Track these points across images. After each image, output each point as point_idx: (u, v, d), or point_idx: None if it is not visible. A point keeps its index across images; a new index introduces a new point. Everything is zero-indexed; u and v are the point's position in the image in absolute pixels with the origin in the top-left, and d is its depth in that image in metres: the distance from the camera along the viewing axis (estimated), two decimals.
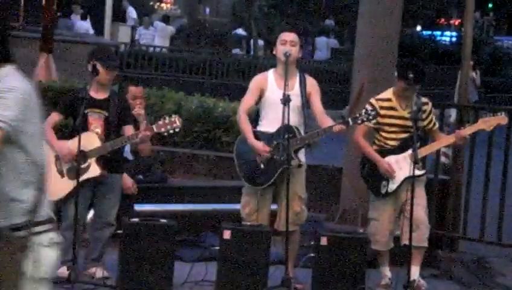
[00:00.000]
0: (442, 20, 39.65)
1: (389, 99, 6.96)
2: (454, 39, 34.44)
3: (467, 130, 7.01)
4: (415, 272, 6.76)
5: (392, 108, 6.93)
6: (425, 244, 6.91)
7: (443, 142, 7.16)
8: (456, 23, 37.57)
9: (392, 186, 6.87)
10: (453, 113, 10.19)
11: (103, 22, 22.73)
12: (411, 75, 6.68)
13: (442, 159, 7.38)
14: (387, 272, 7.03)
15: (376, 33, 8.35)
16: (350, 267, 6.73)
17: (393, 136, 6.93)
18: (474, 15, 14.41)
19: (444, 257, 8.09)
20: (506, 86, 28.82)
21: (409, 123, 6.77)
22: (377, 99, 6.99)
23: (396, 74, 6.91)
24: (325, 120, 6.74)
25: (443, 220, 8.15)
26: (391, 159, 6.91)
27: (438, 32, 36.43)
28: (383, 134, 6.97)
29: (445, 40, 34.97)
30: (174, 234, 6.75)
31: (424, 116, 6.95)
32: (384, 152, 6.95)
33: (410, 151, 6.76)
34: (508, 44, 35.59)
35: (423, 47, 28.37)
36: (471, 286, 7.54)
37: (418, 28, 36.61)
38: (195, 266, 6.99)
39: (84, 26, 22.30)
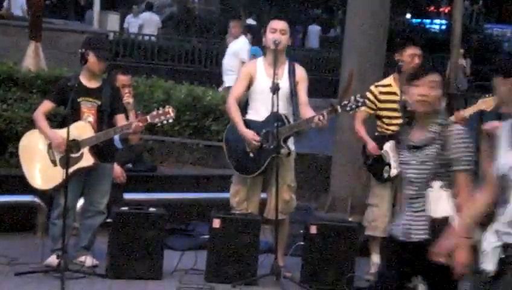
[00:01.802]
0: (432, 8, 39.68)
1: (388, 85, 7.01)
2: (443, 27, 34.47)
3: (467, 111, 7.06)
4: None
5: (392, 93, 6.95)
6: None
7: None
8: (446, 11, 37.60)
9: (394, 171, 6.87)
10: (442, 102, 10.19)
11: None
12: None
13: None
14: (377, 259, 7.05)
15: (365, 21, 8.34)
16: (339, 256, 6.75)
17: (394, 121, 6.94)
18: (464, 3, 14.41)
19: None
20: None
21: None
22: (376, 86, 7.07)
23: (395, 54, 6.98)
24: (307, 111, 6.73)
25: None
26: (393, 144, 6.94)
27: (428, 20, 36.46)
28: (385, 120, 7.01)
29: (434, 28, 35.01)
30: (164, 223, 6.75)
31: None
32: (386, 137, 6.98)
33: None
34: (497, 32, 35.65)
35: (413, 35, 28.38)
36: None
37: (408, 15, 36.63)
38: (184, 255, 6.99)
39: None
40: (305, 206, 8.22)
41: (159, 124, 6.91)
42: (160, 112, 6.73)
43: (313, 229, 6.79)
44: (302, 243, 6.93)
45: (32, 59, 10.74)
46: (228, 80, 12.63)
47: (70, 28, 16.94)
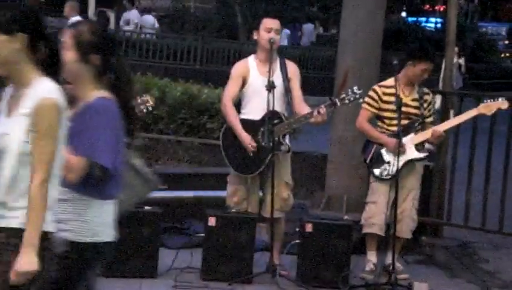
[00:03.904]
0: (427, 6, 39.74)
1: (392, 86, 6.96)
2: (439, 25, 34.49)
3: (465, 115, 7.09)
4: (390, 257, 6.83)
5: (393, 94, 6.92)
6: (406, 236, 7.06)
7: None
8: (441, 9, 37.64)
9: (393, 168, 6.86)
10: (437, 100, 10.21)
11: (87, 8, 22.63)
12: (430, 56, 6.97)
13: (427, 145, 7.39)
14: (373, 257, 7.04)
15: (360, 19, 8.33)
16: (335, 254, 6.75)
17: (394, 122, 6.92)
18: (459, 1, 14.42)
19: (428, 242, 8.12)
20: (490, 72, 28.91)
21: (411, 110, 6.95)
22: (380, 86, 7.05)
23: (408, 59, 6.96)
24: (303, 107, 6.72)
25: (427, 206, 8.17)
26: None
27: (423, 19, 36.49)
28: (386, 120, 7.01)
29: (430, 27, 35.03)
30: (159, 221, 6.75)
31: (425, 105, 7.01)
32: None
33: (412, 136, 6.94)
34: (492, 30, 35.72)
35: (408, 33, 28.37)
36: (455, 271, 7.58)
37: (403, 14, 36.68)
38: (180, 253, 6.98)
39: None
40: (301, 205, 8.21)
41: (139, 114, 6.86)
42: (139, 101, 6.67)
43: (309, 228, 6.79)
44: (297, 241, 6.93)
45: None
46: None
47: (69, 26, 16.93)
